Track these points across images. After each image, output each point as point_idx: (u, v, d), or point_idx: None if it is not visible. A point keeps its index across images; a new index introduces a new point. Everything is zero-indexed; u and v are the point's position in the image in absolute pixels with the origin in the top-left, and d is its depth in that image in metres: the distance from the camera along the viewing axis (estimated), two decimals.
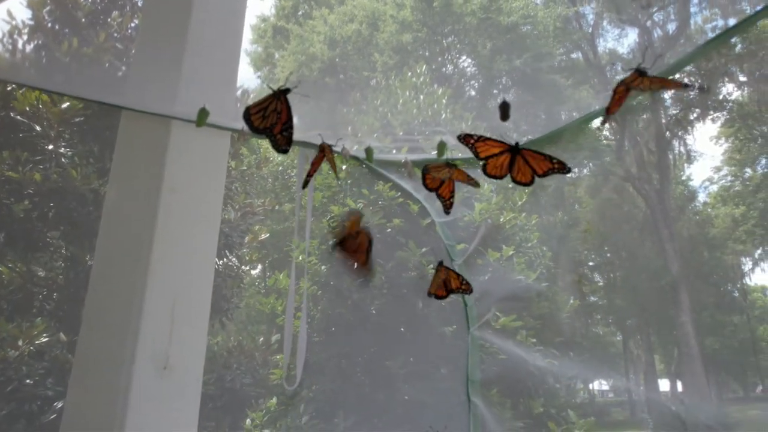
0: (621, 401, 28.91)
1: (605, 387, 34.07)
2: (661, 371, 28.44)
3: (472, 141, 1.21)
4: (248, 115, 1.18)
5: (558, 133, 1.51)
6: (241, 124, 1.57)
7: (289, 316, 1.45)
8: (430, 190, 1.36)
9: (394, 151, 1.78)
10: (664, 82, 1.10)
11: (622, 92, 1.08)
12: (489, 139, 1.22)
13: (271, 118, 1.17)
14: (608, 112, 1.11)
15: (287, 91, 1.17)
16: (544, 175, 1.21)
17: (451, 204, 1.34)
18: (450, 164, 1.33)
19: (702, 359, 19.46)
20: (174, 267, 1.53)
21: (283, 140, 1.19)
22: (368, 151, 1.56)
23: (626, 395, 27.78)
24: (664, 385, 26.40)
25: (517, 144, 1.22)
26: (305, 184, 1.46)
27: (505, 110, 1.26)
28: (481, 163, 1.24)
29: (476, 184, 1.35)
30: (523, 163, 1.21)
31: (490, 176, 1.25)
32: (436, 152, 1.51)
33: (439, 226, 1.69)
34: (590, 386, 26.30)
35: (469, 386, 1.50)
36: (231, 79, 1.68)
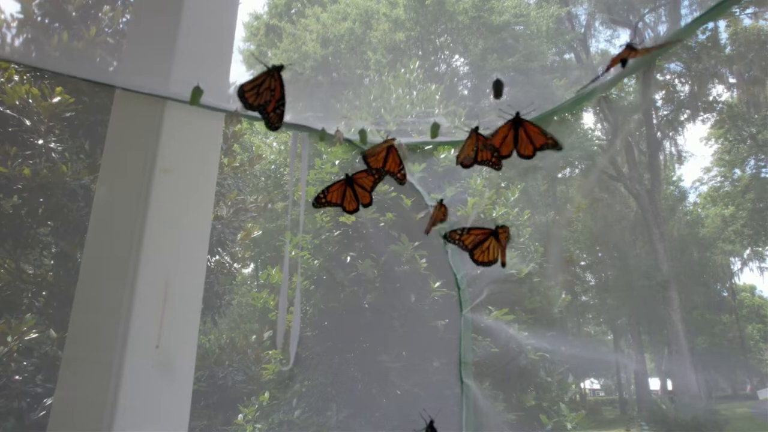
0: (612, 400, 29.14)
1: (596, 386, 34.37)
2: (652, 370, 28.69)
3: (457, 236, 1.28)
4: (242, 92, 1.17)
5: (551, 114, 1.52)
6: (233, 107, 1.56)
7: (283, 295, 1.45)
8: (470, 165, 1.32)
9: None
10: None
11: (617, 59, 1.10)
12: (473, 228, 1.29)
13: (265, 95, 1.17)
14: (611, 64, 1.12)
15: (281, 67, 1.17)
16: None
17: (499, 160, 1.28)
18: (472, 131, 1.29)
19: (692, 358, 19.65)
20: (167, 249, 1.52)
21: (275, 117, 1.18)
22: (362, 133, 1.56)
23: (617, 394, 28.01)
24: (654, 383, 26.61)
25: (497, 227, 1.29)
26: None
27: (498, 88, 1.28)
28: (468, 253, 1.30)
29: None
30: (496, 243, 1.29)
31: (479, 263, 1.31)
32: (429, 134, 1.52)
33: (433, 209, 1.70)
34: (581, 385, 26.49)
35: (462, 368, 1.51)
36: (225, 61, 1.67)
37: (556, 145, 1.22)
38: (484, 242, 1.29)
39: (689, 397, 17.45)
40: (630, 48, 1.08)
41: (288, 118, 1.49)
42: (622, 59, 1.10)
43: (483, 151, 1.28)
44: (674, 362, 19.71)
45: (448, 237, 1.29)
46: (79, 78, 1.58)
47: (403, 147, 1.63)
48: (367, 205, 1.38)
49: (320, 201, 1.36)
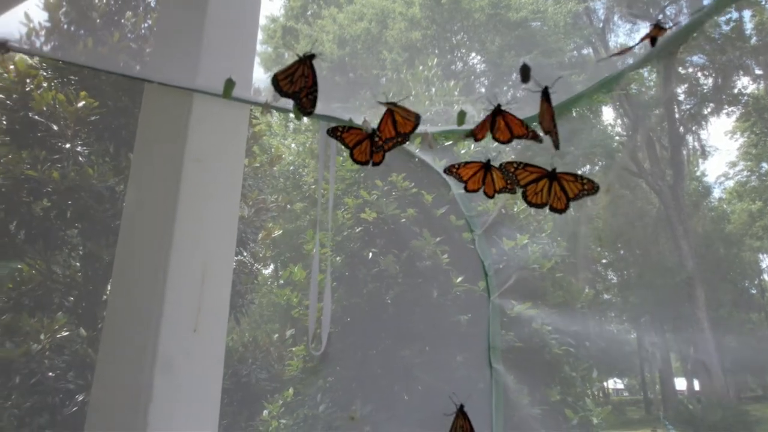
0: (636, 400, 28.64)
1: (620, 385, 33.77)
2: (677, 369, 28.04)
3: (512, 168, 1.23)
4: (276, 81, 1.20)
5: (573, 101, 1.51)
6: (263, 99, 1.60)
7: (314, 281, 1.47)
8: (505, 142, 1.29)
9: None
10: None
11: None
12: (529, 165, 1.24)
13: (299, 82, 1.20)
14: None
15: (313, 56, 1.19)
16: (576, 198, 1.22)
17: (537, 136, 1.26)
18: (496, 111, 1.26)
19: (719, 357, 19.18)
20: (200, 237, 1.56)
21: (308, 103, 1.21)
22: None
23: (641, 394, 27.53)
24: (680, 383, 26.00)
25: (554, 170, 1.22)
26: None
27: (525, 73, 1.28)
28: (521, 190, 1.25)
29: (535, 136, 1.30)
30: (559, 189, 1.22)
31: (531, 204, 1.25)
32: (456, 122, 1.52)
33: (458, 197, 1.71)
34: (605, 384, 26.05)
35: (491, 353, 1.51)
36: (249, 53, 1.71)
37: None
38: (539, 182, 1.23)
39: (717, 398, 17.06)
40: (658, 27, 1.08)
41: (316, 108, 1.50)
42: (651, 38, 1.09)
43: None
44: (701, 362, 19.29)
45: (504, 167, 1.25)
46: (112, 72, 1.63)
47: (429, 136, 1.64)
48: (376, 163, 1.34)
49: (336, 132, 1.33)
